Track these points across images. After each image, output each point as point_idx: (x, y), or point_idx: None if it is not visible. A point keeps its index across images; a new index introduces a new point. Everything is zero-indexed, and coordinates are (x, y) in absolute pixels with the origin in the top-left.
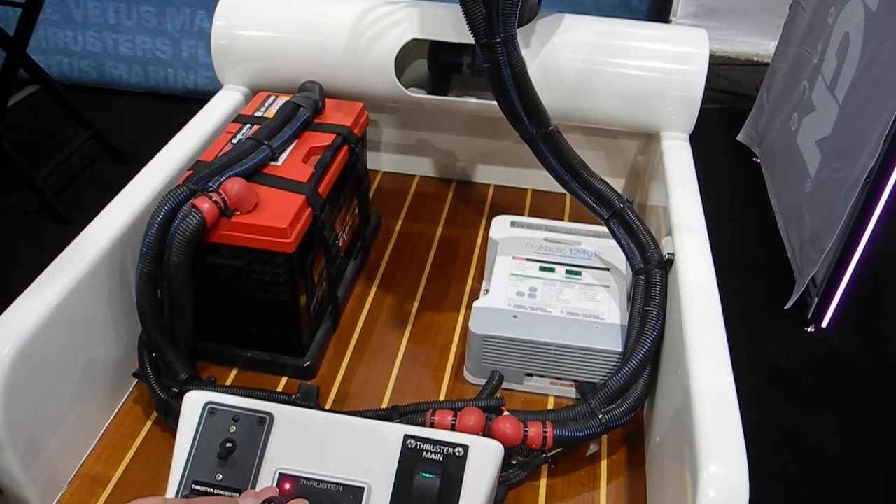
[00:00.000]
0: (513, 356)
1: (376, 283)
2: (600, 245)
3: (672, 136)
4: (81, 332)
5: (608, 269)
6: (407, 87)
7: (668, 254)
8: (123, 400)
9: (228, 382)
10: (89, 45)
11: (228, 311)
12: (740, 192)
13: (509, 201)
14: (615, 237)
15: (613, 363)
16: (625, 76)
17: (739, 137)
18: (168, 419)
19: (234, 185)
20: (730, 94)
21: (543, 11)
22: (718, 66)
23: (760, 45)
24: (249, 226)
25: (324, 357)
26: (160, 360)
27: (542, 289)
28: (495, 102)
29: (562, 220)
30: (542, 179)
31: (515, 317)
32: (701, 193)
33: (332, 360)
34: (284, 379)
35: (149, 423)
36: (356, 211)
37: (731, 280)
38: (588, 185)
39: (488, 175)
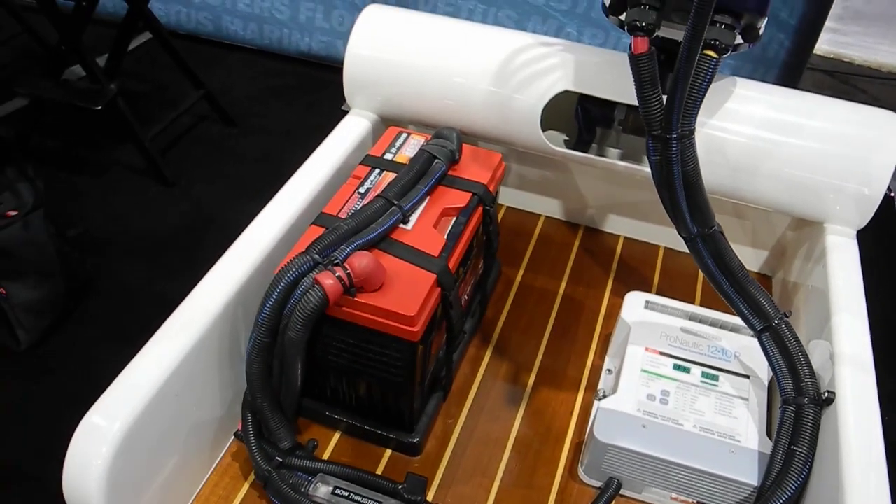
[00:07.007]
0: (636, 467)
1: (492, 345)
2: (741, 344)
3: (838, 232)
4: (189, 396)
5: (748, 377)
6: (547, 130)
7: (828, 392)
8: (222, 455)
9: (330, 447)
10: None
11: (338, 379)
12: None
13: (639, 258)
14: (766, 354)
15: (746, 495)
16: (797, 161)
17: None
18: (267, 489)
19: (361, 262)
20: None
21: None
22: (857, 76)
23: None
24: (374, 308)
25: (431, 431)
26: (264, 425)
27: (674, 393)
28: (647, 169)
29: (695, 287)
30: (676, 238)
31: (644, 426)
32: None
33: (440, 437)
34: (388, 452)
35: (246, 486)
36: (480, 266)
37: None
38: (745, 292)
39: (618, 225)
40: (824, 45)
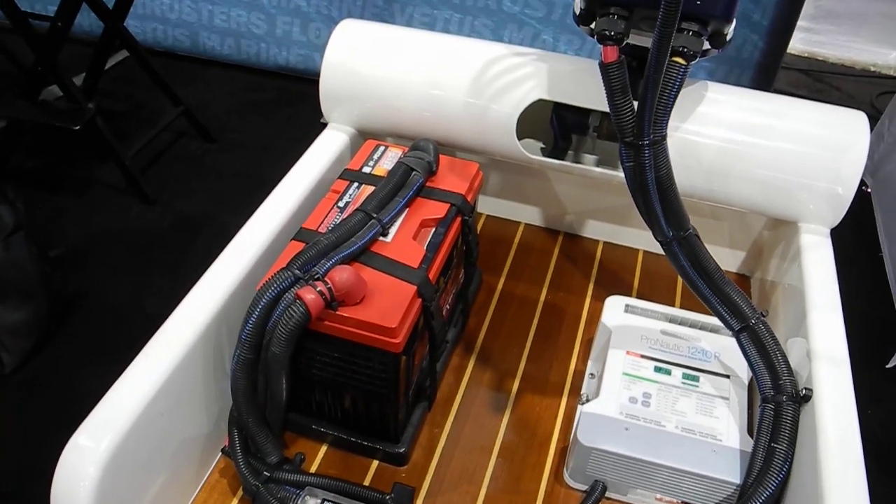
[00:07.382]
0: (620, 470)
1: (475, 353)
2: (720, 345)
3: (812, 231)
4: (175, 414)
5: (728, 377)
6: (523, 139)
7: (806, 389)
8: (209, 471)
9: (317, 460)
10: (185, 14)
11: (322, 392)
12: (843, 221)
13: (619, 262)
14: (744, 354)
15: (728, 493)
16: (769, 162)
17: None
18: None
19: (341, 276)
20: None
21: (691, 78)
22: (830, 74)
23: (880, 54)
24: (356, 321)
25: (417, 441)
26: (250, 440)
27: (656, 395)
28: (622, 174)
29: (675, 289)
30: (655, 241)
31: (627, 429)
32: None
33: (426, 446)
34: (375, 463)
35: (234, 502)
36: (460, 276)
37: None
38: (721, 293)
39: (597, 230)
40: (798, 45)
